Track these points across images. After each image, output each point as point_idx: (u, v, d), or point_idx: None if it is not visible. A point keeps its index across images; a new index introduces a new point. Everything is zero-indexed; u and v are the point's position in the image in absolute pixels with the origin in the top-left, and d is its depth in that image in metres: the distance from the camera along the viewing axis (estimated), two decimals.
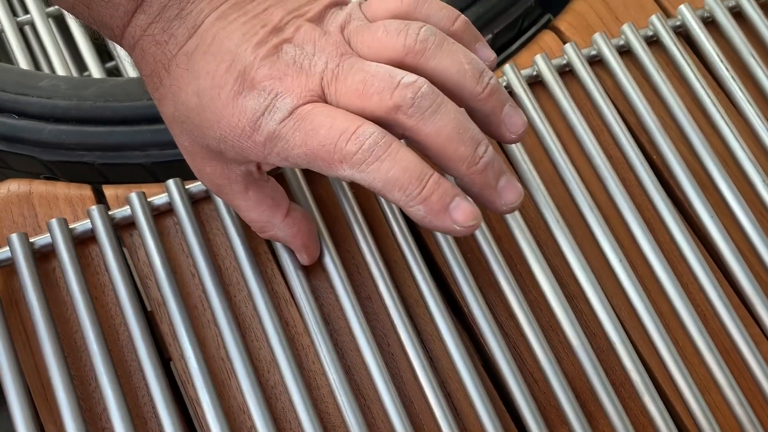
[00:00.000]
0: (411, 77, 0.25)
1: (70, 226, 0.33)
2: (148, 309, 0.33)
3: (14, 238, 0.32)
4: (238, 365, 0.31)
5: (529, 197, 0.35)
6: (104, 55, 0.49)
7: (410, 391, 0.32)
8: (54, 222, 0.32)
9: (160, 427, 0.29)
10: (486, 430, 0.30)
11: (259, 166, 0.29)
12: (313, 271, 0.34)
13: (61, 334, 0.31)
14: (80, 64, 0.46)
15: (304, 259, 0.32)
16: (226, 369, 0.32)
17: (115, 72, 0.49)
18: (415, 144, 0.26)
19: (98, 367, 0.30)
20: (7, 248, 0.32)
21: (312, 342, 0.32)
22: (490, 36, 0.39)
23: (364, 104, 0.25)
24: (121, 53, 0.45)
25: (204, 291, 0.33)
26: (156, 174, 0.37)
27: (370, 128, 0.25)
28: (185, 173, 0.35)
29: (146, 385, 0.30)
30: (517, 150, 0.35)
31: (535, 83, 0.38)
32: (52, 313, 0.31)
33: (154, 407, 0.30)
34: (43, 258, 0.33)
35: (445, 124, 0.25)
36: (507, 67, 0.37)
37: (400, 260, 0.34)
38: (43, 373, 0.31)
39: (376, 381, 0.31)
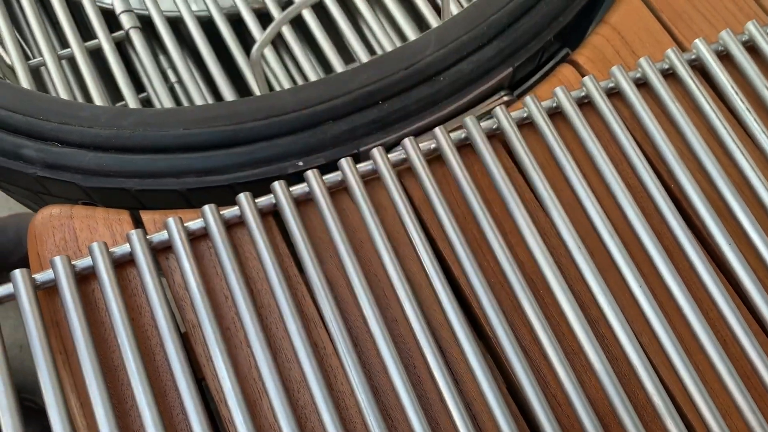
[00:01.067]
0: None
1: (110, 250, 0.34)
2: (183, 330, 0.34)
3: (57, 260, 0.33)
4: (269, 385, 0.32)
5: (551, 224, 0.36)
6: (138, 87, 0.51)
7: (436, 413, 0.33)
8: (95, 246, 0.34)
9: None
10: None
11: None
12: (341, 294, 0.35)
13: (99, 354, 0.32)
14: (116, 95, 0.48)
15: None
16: (258, 389, 0.33)
17: (147, 103, 0.51)
18: None
19: (135, 386, 0.31)
20: (50, 270, 0.33)
21: (341, 363, 0.33)
22: (510, 69, 0.40)
23: None
24: (155, 84, 0.47)
25: (237, 313, 0.34)
26: (189, 200, 0.39)
27: None
28: (218, 199, 0.37)
29: (181, 403, 0.31)
30: (539, 179, 0.36)
31: (556, 114, 0.39)
32: (92, 333, 0.32)
33: (188, 425, 0.31)
34: (83, 280, 0.34)
35: None
36: (528, 98, 0.38)
37: (425, 284, 0.35)
38: (81, 391, 0.32)
39: (404, 402, 0.31)
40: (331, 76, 0.39)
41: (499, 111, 0.38)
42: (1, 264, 1.05)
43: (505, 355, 0.33)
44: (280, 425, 0.31)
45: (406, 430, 0.32)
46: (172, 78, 0.56)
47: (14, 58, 0.46)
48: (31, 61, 0.47)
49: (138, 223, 0.37)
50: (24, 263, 1.08)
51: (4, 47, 0.47)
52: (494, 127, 0.38)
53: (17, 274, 0.33)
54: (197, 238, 0.36)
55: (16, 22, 0.50)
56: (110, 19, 0.50)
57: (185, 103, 0.49)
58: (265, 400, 0.33)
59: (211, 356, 0.32)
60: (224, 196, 0.38)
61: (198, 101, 0.47)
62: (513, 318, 0.34)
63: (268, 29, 0.39)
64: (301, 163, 0.38)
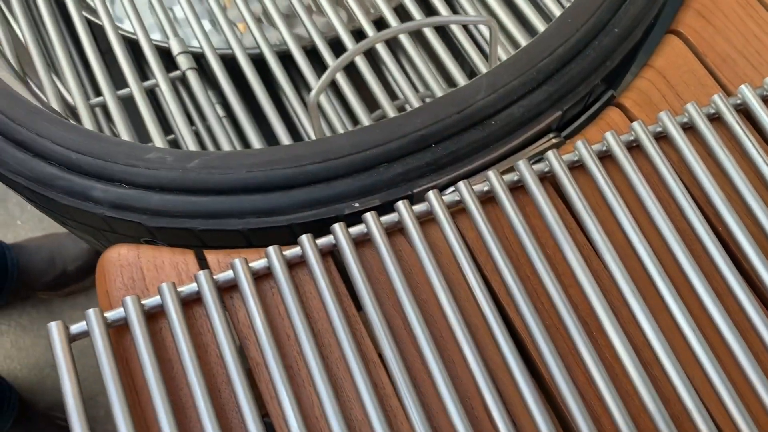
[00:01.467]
0: None
1: (178, 290, 0.35)
2: (246, 367, 0.36)
3: (128, 300, 0.35)
4: (332, 424, 0.33)
5: (603, 266, 0.37)
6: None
7: None
8: (164, 286, 0.35)
9: None
10: None
11: None
12: (400, 335, 0.36)
13: (168, 391, 0.34)
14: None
15: None
16: (321, 427, 0.34)
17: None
18: None
19: (204, 423, 0.32)
20: (121, 309, 0.35)
21: (401, 403, 0.33)
22: (559, 113, 0.42)
23: None
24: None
25: (299, 352, 0.35)
26: (249, 239, 0.40)
27: None
28: (276, 239, 0.38)
29: None
30: (591, 221, 0.37)
31: (605, 157, 0.40)
32: (161, 370, 0.34)
33: None
34: (151, 318, 0.36)
35: None
36: (579, 143, 0.39)
37: (482, 325, 0.36)
38: (152, 428, 0.34)
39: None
40: (386, 120, 0.41)
41: (552, 155, 0.39)
42: (34, 284, 1.07)
43: (561, 397, 0.34)
44: None
45: None
46: (220, 113, 0.58)
47: (76, 98, 0.48)
48: (92, 101, 0.49)
49: (202, 262, 0.38)
50: (56, 283, 1.11)
51: (67, 87, 0.49)
52: (546, 170, 0.39)
53: (91, 313, 0.34)
54: (260, 278, 0.37)
55: (83, 60, 0.52)
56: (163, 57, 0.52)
57: (234, 139, 0.51)
58: None
59: (276, 394, 0.33)
60: (282, 236, 0.39)
61: (254, 142, 0.48)
62: (568, 360, 0.35)
63: (325, 75, 0.40)
64: (356, 205, 0.39)
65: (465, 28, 0.53)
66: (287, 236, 0.39)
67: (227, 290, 0.37)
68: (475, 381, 0.34)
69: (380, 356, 0.36)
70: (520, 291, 0.35)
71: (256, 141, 0.49)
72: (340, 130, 0.50)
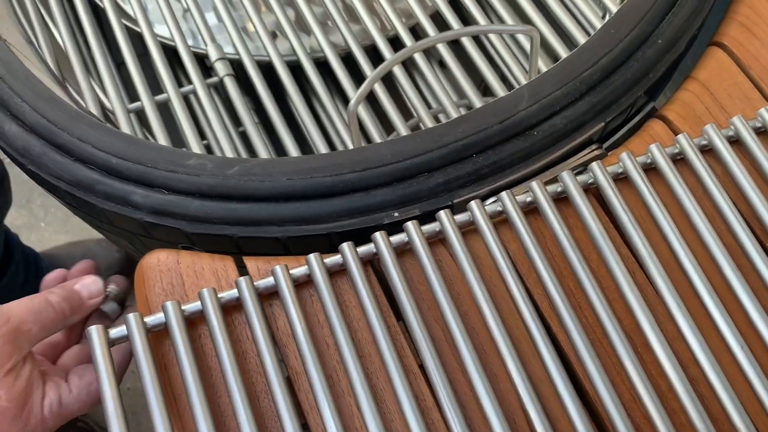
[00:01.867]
0: None
1: (218, 296, 0.35)
2: (285, 376, 0.35)
3: (169, 306, 0.34)
4: (365, 413, 0.32)
5: (648, 281, 0.37)
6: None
7: None
8: (205, 292, 0.35)
9: None
10: None
11: None
12: (441, 347, 0.35)
13: (208, 398, 0.33)
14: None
15: None
16: None
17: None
18: None
19: (244, 431, 0.32)
20: (161, 314, 0.35)
21: (443, 416, 0.33)
22: (602, 124, 0.41)
23: None
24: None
25: (339, 361, 0.35)
26: (287, 247, 0.40)
27: None
28: (314, 247, 0.38)
29: None
30: (636, 233, 0.36)
31: (649, 170, 0.39)
32: (201, 377, 0.33)
33: None
34: (191, 324, 0.36)
35: None
36: (624, 155, 0.39)
37: (524, 338, 0.35)
38: None
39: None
40: (427, 130, 0.40)
41: (596, 166, 0.38)
42: None
43: (606, 413, 0.33)
44: None
45: None
46: (255, 119, 0.58)
47: (115, 103, 0.48)
48: (130, 106, 0.49)
49: (241, 269, 0.38)
50: None
51: (106, 92, 0.49)
52: (590, 181, 0.39)
53: (131, 318, 0.34)
54: (300, 285, 0.37)
55: (111, 68, 0.52)
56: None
57: (269, 146, 0.51)
58: None
59: (316, 404, 0.33)
60: (320, 245, 0.39)
61: (290, 148, 0.48)
62: (613, 375, 0.35)
63: (366, 82, 0.40)
64: (396, 214, 0.39)
65: (503, 37, 0.53)
66: (325, 245, 0.39)
67: (267, 297, 0.37)
68: (519, 395, 0.33)
69: (420, 367, 0.35)
70: (564, 304, 0.35)
71: (291, 148, 0.48)
72: (377, 139, 0.49)
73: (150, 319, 0.35)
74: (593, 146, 0.42)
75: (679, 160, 0.40)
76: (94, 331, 0.34)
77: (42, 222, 1.23)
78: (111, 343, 0.34)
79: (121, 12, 0.56)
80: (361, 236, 0.38)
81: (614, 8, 0.50)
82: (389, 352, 0.34)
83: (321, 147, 0.49)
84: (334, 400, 0.33)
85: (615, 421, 0.32)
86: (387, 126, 0.53)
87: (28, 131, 0.42)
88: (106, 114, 0.50)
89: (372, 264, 0.38)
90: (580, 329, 0.34)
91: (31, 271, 0.90)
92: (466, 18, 0.57)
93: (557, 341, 0.36)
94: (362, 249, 0.37)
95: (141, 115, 0.50)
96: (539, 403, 0.33)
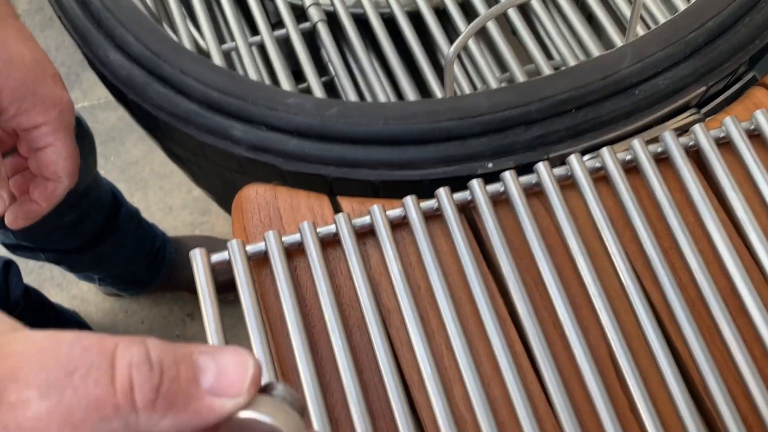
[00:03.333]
0: None
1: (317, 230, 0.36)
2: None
3: (270, 234, 0.35)
4: (464, 374, 0.33)
5: (745, 246, 0.36)
6: (321, 71, 0.53)
7: (621, 416, 0.33)
8: (305, 224, 0.36)
9: (391, 415, 0.32)
10: None
11: None
12: (533, 296, 0.35)
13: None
14: (298, 77, 0.50)
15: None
16: (450, 378, 0.34)
17: (329, 85, 0.53)
18: None
19: (340, 360, 0.33)
20: (260, 243, 0.36)
21: (533, 364, 0.33)
22: (704, 88, 0.40)
23: None
24: (337, 70, 0.49)
25: (431, 303, 0.35)
26: (378, 191, 0.40)
27: None
28: (404, 193, 0.38)
29: (380, 381, 0.33)
30: (737, 198, 0.36)
31: (752, 136, 0.39)
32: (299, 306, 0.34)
33: (388, 403, 0.32)
34: (287, 256, 0.36)
35: None
36: (728, 119, 0.38)
37: (618, 294, 0.35)
38: (284, 361, 0.34)
39: (596, 404, 0.32)
40: (527, 82, 0.40)
41: (699, 129, 0.38)
42: (180, 281, 1.05)
43: (699, 372, 0.33)
44: (476, 413, 0.32)
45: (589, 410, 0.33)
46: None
47: (210, 42, 0.49)
48: (223, 46, 0.50)
49: (336, 208, 0.39)
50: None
51: (200, 32, 0.50)
52: (690, 144, 0.38)
53: (234, 243, 0.35)
54: (393, 227, 0.37)
55: (210, 10, 0.53)
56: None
57: (365, 92, 0.51)
58: (458, 388, 0.34)
59: (408, 339, 0.34)
60: (411, 190, 0.39)
61: (381, 97, 0.49)
62: (706, 336, 0.34)
63: (465, 31, 0.40)
64: (490, 165, 0.39)
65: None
66: (416, 191, 0.39)
67: (361, 236, 0.37)
68: (610, 348, 0.33)
69: (511, 315, 0.36)
70: (660, 262, 0.34)
71: (383, 97, 0.49)
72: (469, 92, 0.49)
73: (250, 248, 0.36)
74: (692, 110, 0.41)
75: None
76: (198, 253, 0.35)
77: (102, 169, 1.26)
78: (213, 267, 0.35)
79: None
80: (453, 185, 0.38)
81: None
82: (482, 296, 0.34)
83: (412, 97, 0.49)
84: (427, 338, 0.33)
85: (708, 381, 0.32)
86: (482, 81, 0.53)
87: (131, 61, 0.43)
88: (201, 54, 0.51)
89: (464, 212, 0.38)
90: (676, 288, 0.34)
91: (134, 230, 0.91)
92: None
93: (650, 299, 0.36)
94: (456, 195, 0.37)
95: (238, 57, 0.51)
96: (632, 357, 0.33)
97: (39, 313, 0.80)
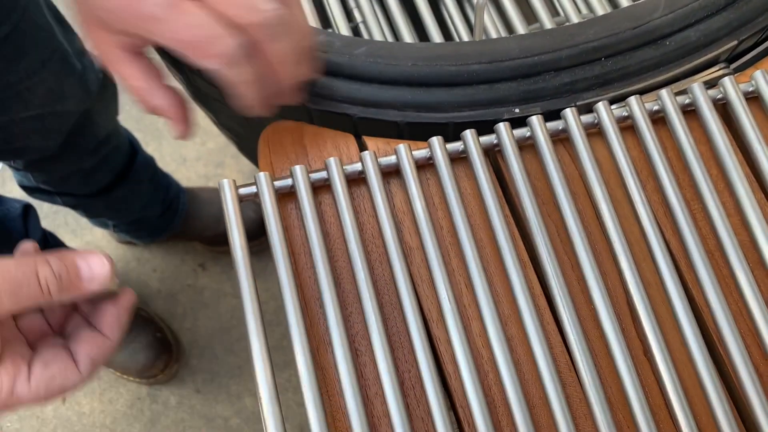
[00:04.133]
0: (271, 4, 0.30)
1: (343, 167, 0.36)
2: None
3: (297, 169, 0.36)
4: (484, 312, 0.33)
5: (767, 201, 0.36)
6: (349, 16, 0.53)
7: (639, 364, 0.34)
8: (332, 160, 0.36)
9: (410, 346, 0.33)
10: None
11: (141, 41, 0.32)
12: (554, 241, 0.36)
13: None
14: (325, 24, 0.49)
15: (179, 131, 0.35)
16: (470, 314, 0.35)
17: (355, 30, 0.53)
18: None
19: (363, 294, 0.33)
20: (290, 179, 0.36)
21: (550, 304, 0.34)
22: (735, 42, 0.40)
23: (231, 13, 0.29)
24: (365, 12, 0.48)
25: (452, 242, 0.36)
26: (403, 133, 0.40)
27: (234, 40, 0.30)
28: (429, 135, 0.38)
29: (401, 315, 0.34)
30: (763, 151, 0.36)
31: None
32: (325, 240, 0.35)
33: (408, 336, 0.33)
34: (313, 192, 0.37)
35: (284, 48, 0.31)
36: (758, 73, 0.38)
37: (638, 242, 0.36)
38: (307, 293, 0.35)
39: (612, 348, 0.33)
40: (558, 28, 0.40)
41: (728, 82, 0.38)
42: (193, 232, 1.07)
43: (714, 320, 0.33)
44: (492, 350, 0.33)
45: (614, 378, 0.33)
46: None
47: None
48: None
49: (360, 147, 0.39)
50: (213, 241, 1.09)
51: None
52: (718, 97, 0.38)
53: (261, 176, 0.36)
54: (418, 168, 0.37)
55: None
56: None
57: (391, 38, 0.51)
58: (476, 325, 0.34)
59: (429, 275, 0.34)
60: (436, 133, 0.39)
61: (407, 39, 0.48)
62: (723, 285, 0.35)
63: None
64: (517, 110, 0.39)
65: None
66: (441, 134, 0.40)
67: (385, 175, 0.37)
68: (628, 293, 0.34)
69: (530, 258, 0.36)
70: (682, 212, 0.35)
71: (409, 40, 0.48)
72: None
73: (276, 182, 0.36)
74: (721, 65, 0.41)
75: None
76: (226, 183, 0.35)
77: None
78: (240, 198, 0.35)
79: None
80: (479, 130, 0.38)
81: None
82: (503, 237, 0.35)
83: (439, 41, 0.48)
84: (449, 279, 0.34)
85: (722, 329, 0.33)
86: (509, 30, 0.52)
87: None
88: None
89: (488, 156, 0.39)
90: (696, 238, 0.34)
91: (150, 178, 0.91)
92: None
93: (670, 248, 0.36)
94: (482, 139, 0.38)
95: None
96: (649, 303, 0.33)
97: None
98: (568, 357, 0.34)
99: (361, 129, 0.41)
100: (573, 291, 0.35)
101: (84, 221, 1.07)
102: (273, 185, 0.35)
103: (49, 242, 0.84)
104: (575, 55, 0.39)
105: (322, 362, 0.34)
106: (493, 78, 0.39)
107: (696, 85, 0.37)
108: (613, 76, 0.39)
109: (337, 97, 0.40)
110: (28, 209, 0.79)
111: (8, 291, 0.28)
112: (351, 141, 0.39)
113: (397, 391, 0.31)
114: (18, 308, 0.29)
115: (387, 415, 0.32)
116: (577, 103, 0.39)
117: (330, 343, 0.33)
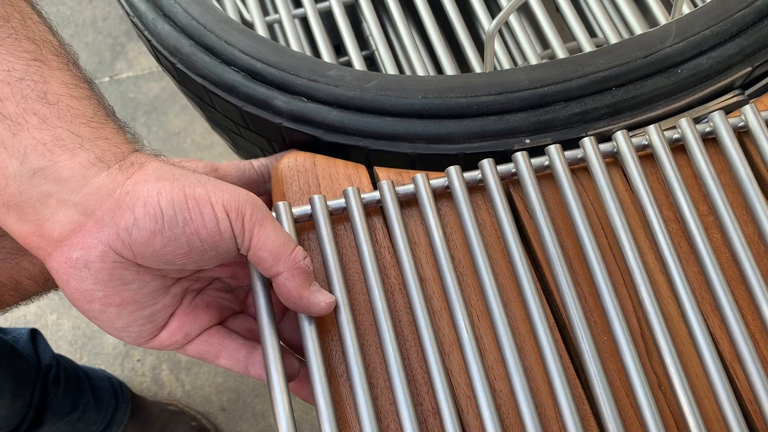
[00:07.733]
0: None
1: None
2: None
3: (316, 198, 0.36)
4: (502, 344, 0.33)
5: None
6: (362, 45, 0.54)
7: (651, 376, 0.33)
8: (350, 189, 0.36)
9: (430, 378, 0.32)
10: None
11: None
12: (573, 270, 0.36)
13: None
14: (339, 52, 0.50)
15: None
16: (486, 344, 0.34)
17: (369, 59, 0.54)
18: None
19: (378, 318, 0.33)
20: (308, 207, 0.36)
21: (572, 333, 0.34)
22: (749, 68, 0.40)
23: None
24: (378, 44, 0.49)
25: (467, 273, 0.36)
26: (414, 164, 0.41)
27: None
28: (440, 167, 0.39)
29: (416, 338, 0.33)
30: None
31: None
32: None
33: (423, 359, 0.33)
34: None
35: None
36: None
37: (656, 269, 0.35)
38: (325, 318, 0.35)
39: (627, 364, 0.32)
40: (568, 59, 0.40)
41: (749, 110, 0.37)
42: None
43: (734, 346, 0.32)
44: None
45: (624, 387, 0.33)
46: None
47: (254, 14, 0.50)
48: (267, 18, 0.50)
49: (372, 178, 0.39)
50: None
51: (245, 4, 0.50)
52: (740, 124, 0.38)
53: (280, 206, 0.36)
54: (436, 196, 0.38)
55: None
56: None
57: (406, 67, 0.51)
58: (488, 357, 0.34)
59: (446, 299, 0.34)
60: (447, 164, 0.39)
61: (419, 70, 0.49)
62: (746, 316, 0.34)
63: (507, 6, 0.40)
64: (528, 141, 0.39)
65: None
66: (451, 165, 0.40)
67: (403, 203, 0.38)
68: (650, 326, 0.32)
69: (544, 290, 0.36)
70: (703, 242, 0.34)
71: (422, 72, 0.49)
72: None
73: (294, 210, 0.36)
74: (735, 91, 0.41)
75: None
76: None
77: (145, 140, 1.28)
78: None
79: None
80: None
81: None
82: (522, 268, 0.34)
83: (451, 72, 0.49)
84: (464, 300, 0.33)
85: (742, 355, 0.32)
86: (522, 57, 0.52)
87: (179, 31, 0.44)
88: (246, 25, 0.52)
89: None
90: (717, 268, 0.33)
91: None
92: None
93: (688, 278, 0.35)
94: (500, 168, 0.37)
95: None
96: (669, 335, 0.32)
97: (71, 371, 0.81)
98: (581, 391, 0.33)
99: (373, 160, 0.41)
100: (591, 319, 0.34)
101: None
102: (292, 214, 0.36)
103: (61, 363, 0.82)
104: (585, 85, 0.39)
105: (336, 394, 0.33)
106: (503, 109, 0.39)
107: (717, 114, 0.37)
108: (624, 105, 0.39)
109: (350, 130, 0.40)
110: (34, 333, 0.79)
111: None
112: (363, 171, 0.39)
113: (414, 421, 0.31)
114: (274, 271, 0.31)
115: None
116: (589, 133, 0.39)
117: (344, 375, 0.33)
